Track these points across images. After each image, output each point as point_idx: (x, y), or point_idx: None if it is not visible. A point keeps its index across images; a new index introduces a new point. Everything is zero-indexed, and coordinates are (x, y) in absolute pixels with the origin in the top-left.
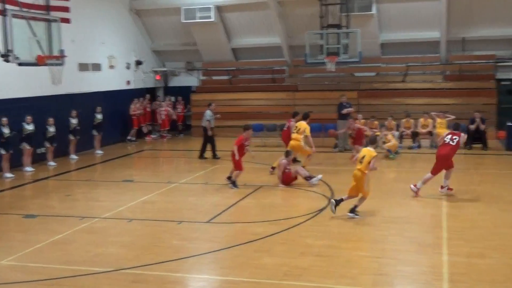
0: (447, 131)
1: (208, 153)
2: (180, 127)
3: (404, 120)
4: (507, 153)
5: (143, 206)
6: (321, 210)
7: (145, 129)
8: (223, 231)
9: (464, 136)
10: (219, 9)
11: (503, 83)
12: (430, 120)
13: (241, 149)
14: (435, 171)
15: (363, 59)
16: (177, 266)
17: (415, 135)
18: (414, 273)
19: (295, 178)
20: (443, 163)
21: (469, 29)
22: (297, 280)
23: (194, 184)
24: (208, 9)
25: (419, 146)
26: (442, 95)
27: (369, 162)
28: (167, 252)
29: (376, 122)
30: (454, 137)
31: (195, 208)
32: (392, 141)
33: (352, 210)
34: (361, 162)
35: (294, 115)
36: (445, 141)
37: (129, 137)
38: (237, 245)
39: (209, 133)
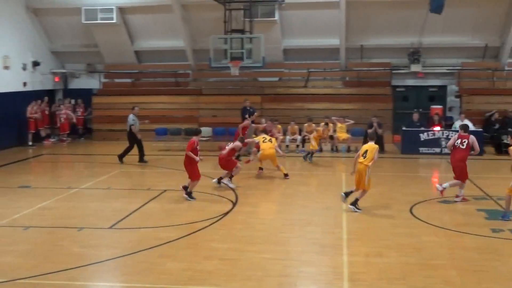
0: (455, 135)
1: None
2: (80, 131)
3: (306, 124)
4: (402, 156)
5: (41, 212)
6: (226, 213)
7: (43, 133)
8: (126, 236)
9: (472, 137)
10: (122, 10)
11: (398, 89)
12: (313, 125)
13: (195, 153)
14: (461, 177)
15: (267, 64)
16: (78, 274)
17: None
18: (316, 273)
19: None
20: (460, 167)
21: (367, 37)
22: (202, 284)
23: (96, 189)
24: (110, 10)
25: (320, 150)
26: (341, 101)
27: (373, 157)
28: (67, 260)
29: (279, 126)
30: (463, 140)
31: (97, 213)
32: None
33: (354, 203)
34: (364, 156)
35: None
36: (456, 145)
37: (30, 142)
38: (140, 251)
39: (139, 136)
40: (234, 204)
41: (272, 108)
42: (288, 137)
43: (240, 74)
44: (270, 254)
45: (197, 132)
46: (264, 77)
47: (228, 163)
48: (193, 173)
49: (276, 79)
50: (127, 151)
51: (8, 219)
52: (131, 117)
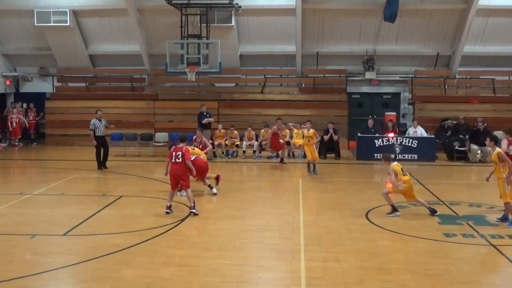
0: (506, 142)
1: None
2: (32, 136)
3: (263, 130)
4: (358, 162)
5: None
6: (182, 220)
7: None
8: (80, 243)
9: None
10: (76, 13)
11: (353, 96)
12: (287, 131)
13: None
14: None
15: (223, 70)
16: (31, 282)
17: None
18: (274, 279)
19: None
20: None
21: (323, 44)
22: None
23: (49, 195)
24: (63, 13)
25: (277, 156)
26: (298, 107)
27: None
28: (19, 268)
29: (236, 132)
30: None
31: (50, 220)
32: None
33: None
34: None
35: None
36: (509, 152)
37: None
38: (96, 258)
39: (93, 142)
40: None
41: (229, 113)
42: (245, 143)
43: (196, 80)
44: (228, 260)
45: (182, 139)
46: (221, 83)
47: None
48: (188, 182)
49: (233, 84)
50: (97, 157)
51: None
52: (91, 121)
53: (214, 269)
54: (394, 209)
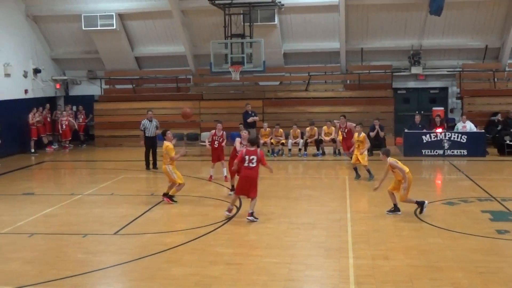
0: None
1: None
2: (82, 137)
3: (308, 128)
4: (405, 158)
5: (45, 219)
6: (230, 218)
7: (45, 140)
8: (130, 242)
9: None
10: (121, 16)
11: (399, 92)
12: (333, 128)
13: None
14: None
15: (267, 68)
16: (83, 280)
17: (319, 143)
18: (322, 277)
19: None
20: None
21: (367, 40)
22: None
23: (99, 196)
24: (110, 16)
25: (323, 154)
26: (343, 104)
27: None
28: (72, 267)
29: (281, 130)
30: None
31: (101, 220)
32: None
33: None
34: None
35: None
36: None
37: (32, 150)
38: (145, 257)
39: (140, 142)
40: (238, 209)
41: (274, 112)
42: (290, 141)
43: (241, 79)
44: (276, 258)
45: (255, 142)
46: (265, 81)
47: None
48: (257, 190)
49: (277, 83)
50: (146, 157)
51: (13, 226)
52: (142, 122)
53: (262, 267)
54: (396, 209)
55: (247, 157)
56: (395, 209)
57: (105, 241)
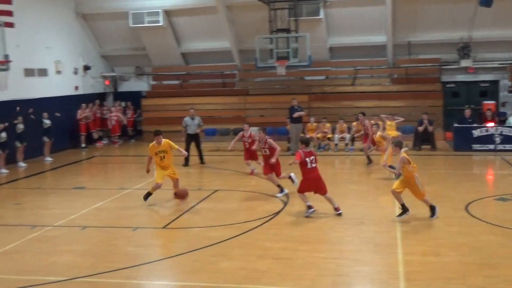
0: None
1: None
2: (130, 133)
3: (355, 123)
4: (455, 153)
5: (96, 213)
6: (277, 213)
7: (95, 135)
8: (179, 236)
9: None
10: (168, 13)
11: (448, 85)
12: (380, 123)
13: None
14: None
15: (313, 63)
16: (134, 273)
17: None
18: (371, 272)
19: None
20: None
21: (414, 33)
22: (256, 283)
23: (147, 190)
24: (156, 13)
25: (369, 148)
26: (390, 98)
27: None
28: (122, 259)
29: (328, 124)
30: None
31: (150, 214)
32: None
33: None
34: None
35: None
36: None
37: (82, 145)
38: (194, 250)
39: (182, 139)
40: (285, 203)
41: (320, 106)
42: (337, 136)
43: (286, 74)
44: (324, 253)
45: (309, 142)
46: (311, 76)
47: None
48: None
49: (323, 77)
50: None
51: (65, 220)
52: (184, 119)
53: (310, 262)
54: (405, 209)
55: (307, 159)
56: (404, 210)
57: (154, 235)
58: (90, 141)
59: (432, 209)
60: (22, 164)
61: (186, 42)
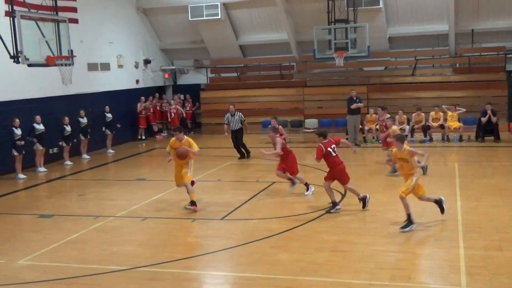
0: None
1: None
2: (189, 125)
3: (415, 114)
4: None
5: (157, 204)
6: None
7: (155, 128)
8: (237, 228)
9: None
10: (226, 6)
11: None
12: (441, 113)
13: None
14: None
15: (372, 53)
16: (193, 263)
17: (426, 129)
18: (431, 267)
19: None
20: None
21: (478, 21)
22: (314, 275)
23: (207, 182)
24: (215, 6)
25: (430, 140)
26: (452, 88)
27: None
28: (182, 250)
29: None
30: None
31: (208, 205)
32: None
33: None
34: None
35: None
36: None
37: (142, 137)
38: (252, 242)
39: (225, 134)
40: (343, 195)
41: (379, 98)
42: (396, 127)
43: (345, 65)
44: (382, 247)
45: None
46: (370, 67)
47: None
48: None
49: (382, 68)
50: (237, 148)
51: (127, 210)
52: (226, 115)
53: (368, 255)
54: (410, 221)
55: (329, 149)
56: (409, 222)
57: (213, 226)
58: (151, 133)
59: (408, 217)
60: (85, 156)
61: (244, 35)
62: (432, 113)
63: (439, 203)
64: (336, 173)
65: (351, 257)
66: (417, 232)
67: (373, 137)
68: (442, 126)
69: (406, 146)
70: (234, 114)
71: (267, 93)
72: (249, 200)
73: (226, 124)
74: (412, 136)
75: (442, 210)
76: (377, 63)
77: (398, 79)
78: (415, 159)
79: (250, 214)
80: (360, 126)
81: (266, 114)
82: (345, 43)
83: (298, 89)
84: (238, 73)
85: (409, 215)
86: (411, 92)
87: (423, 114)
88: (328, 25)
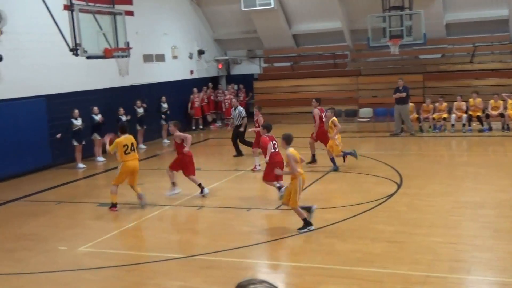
0: None
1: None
2: None
3: (471, 99)
4: None
5: (212, 193)
6: (391, 195)
7: (209, 118)
8: (292, 217)
9: None
10: None
11: None
12: (501, 102)
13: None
14: None
15: (428, 40)
16: (248, 252)
17: (486, 118)
18: (491, 259)
19: None
20: None
21: None
22: (370, 266)
23: (261, 171)
24: None
25: (490, 129)
26: None
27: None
28: (237, 239)
29: (445, 104)
30: None
31: (263, 195)
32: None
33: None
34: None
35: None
36: None
37: (198, 127)
38: (307, 232)
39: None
40: (399, 186)
41: (435, 86)
42: (453, 116)
43: (400, 53)
44: (440, 238)
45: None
46: (426, 55)
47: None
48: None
49: (439, 55)
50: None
51: (183, 199)
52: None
53: (425, 246)
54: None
55: (271, 143)
56: (305, 224)
57: (267, 215)
58: (205, 123)
59: (306, 221)
60: (142, 146)
61: (297, 24)
62: (492, 101)
63: (308, 209)
64: (274, 166)
65: (408, 248)
66: (476, 224)
67: (430, 127)
68: (501, 115)
69: (290, 149)
70: (235, 108)
71: (321, 83)
72: (304, 190)
73: (231, 118)
74: (469, 125)
75: (306, 224)
76: (434, 50)
77: (456, 67)
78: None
79: (305, 204)
80: (417, 115)
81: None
82: (400, 30)
83: (352, 78)
84: (292, 63)
85: (305, 219)
86: (469, 80)
87: (480, 99)
88: (383, 12)
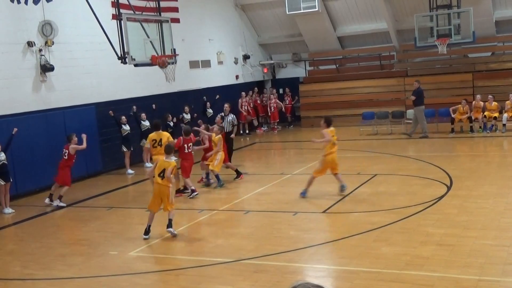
0: None
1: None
2: (289, 119)
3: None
4: None
5: (259, 198)
6: (440, 197)
7: (255, 122)
8: (339, 221)
9: None
10: None
11: None
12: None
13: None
14: None
15: (477, 38)
16: (296, 256)
17: None
18: None
19: None
20: None
21: None
22: (419, 269)
23: (307, 175)
24: None
25: None
26: None
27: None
28: (285, 243)
29: (495, 103)
30: None
31: (310, 198)
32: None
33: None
34: (160, 176)
35: None
36: None
37: (245, 131)
38: (354, 235)
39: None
40: (449, 188)
41: (485, 85)
42: (505, 115)
43: (448, 52)
44: (493, 241)
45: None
46: (475, 53)
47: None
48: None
49: (489, 54)
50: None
51: (230, 204)
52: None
53: (477, 250)
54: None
55: (185, 145)
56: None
57: (314, 219)
58: (252, 127)
59: (168, 225)
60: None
61: (342, 26)
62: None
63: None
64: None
65: (459, 251)
66: None
67: (480, 127)
68: None
69: (172, 158)
70: (228, 115)
71: (367, 84)
72: (350, 192)
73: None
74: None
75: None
76: (483, 48)
77: (507, 65)
78: (168, 173)
79: (352, 207)
80: (468, 115)
81: (366, 105)
82: (448, 29)
83: (399, 79)
84: (337, 65)
85: (149, 226)
86: None
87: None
88: (430, 11)
